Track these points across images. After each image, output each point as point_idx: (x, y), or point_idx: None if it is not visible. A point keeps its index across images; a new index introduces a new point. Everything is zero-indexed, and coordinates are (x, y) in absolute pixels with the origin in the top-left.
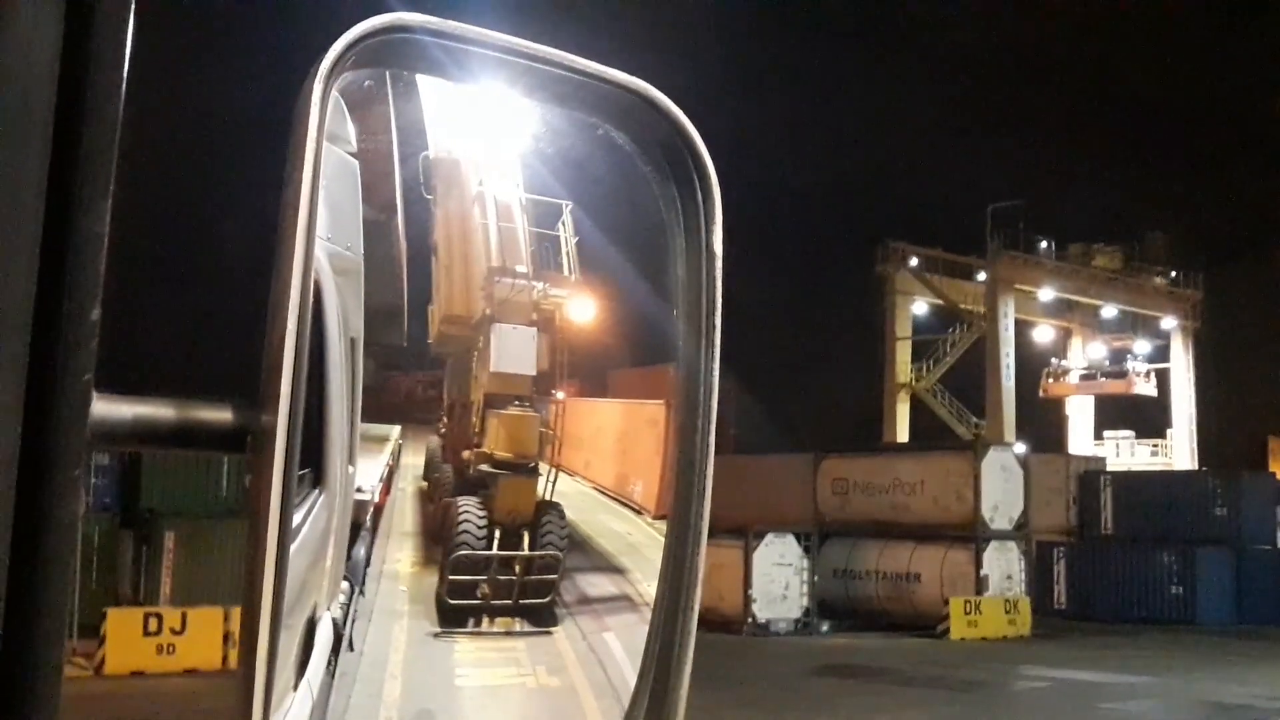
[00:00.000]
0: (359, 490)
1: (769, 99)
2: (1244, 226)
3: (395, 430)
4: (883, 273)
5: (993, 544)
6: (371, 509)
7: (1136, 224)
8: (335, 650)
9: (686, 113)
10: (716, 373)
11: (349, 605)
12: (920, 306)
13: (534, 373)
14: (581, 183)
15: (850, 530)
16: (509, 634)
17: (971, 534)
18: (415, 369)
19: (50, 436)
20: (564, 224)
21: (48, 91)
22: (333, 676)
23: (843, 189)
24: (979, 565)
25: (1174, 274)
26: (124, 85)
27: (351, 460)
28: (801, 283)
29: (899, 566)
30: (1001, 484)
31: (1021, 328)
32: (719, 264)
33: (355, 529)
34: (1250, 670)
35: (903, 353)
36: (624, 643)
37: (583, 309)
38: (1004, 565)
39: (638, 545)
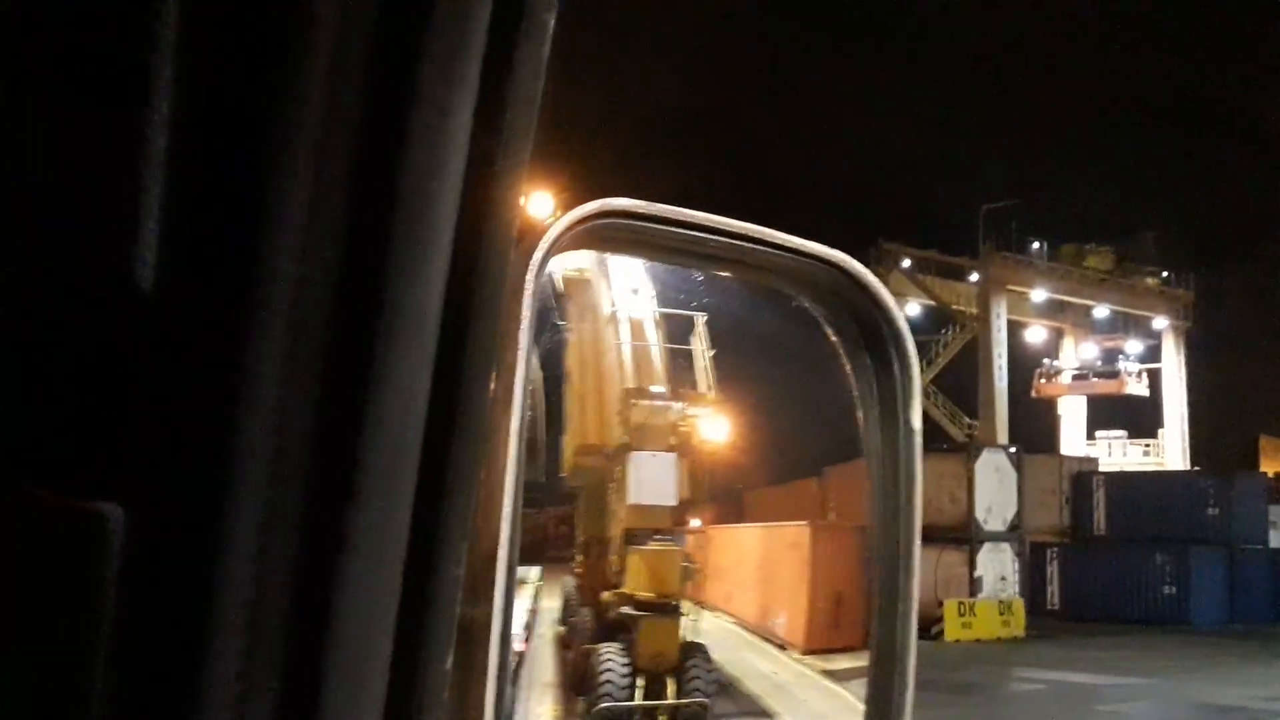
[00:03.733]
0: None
1: (762, 98)
2: (1235, 227)
3: (534, 571)
4: (876, 274)
5: (986, 545)
6: (518, 657)
7: (1129, 224)
8: None
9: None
10: (917, 550)
11: None
12: (914, 307)
13: (675, 503)
14: (708, 291)
15: None
16: None
17: (965, 535)
18: (547, 504)
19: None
20: (698, 336)
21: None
22: None
23: (836, 189)
24: (973, 567)
25: (1165, 274)
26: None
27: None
28: None
29: None
30: (995, 485)
31: (1014, 328)
32: (918, 440)
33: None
34: (1244, 671)
35: None
36: None
37: (720, 427)
38: (998, 566)
39: (784, 685)
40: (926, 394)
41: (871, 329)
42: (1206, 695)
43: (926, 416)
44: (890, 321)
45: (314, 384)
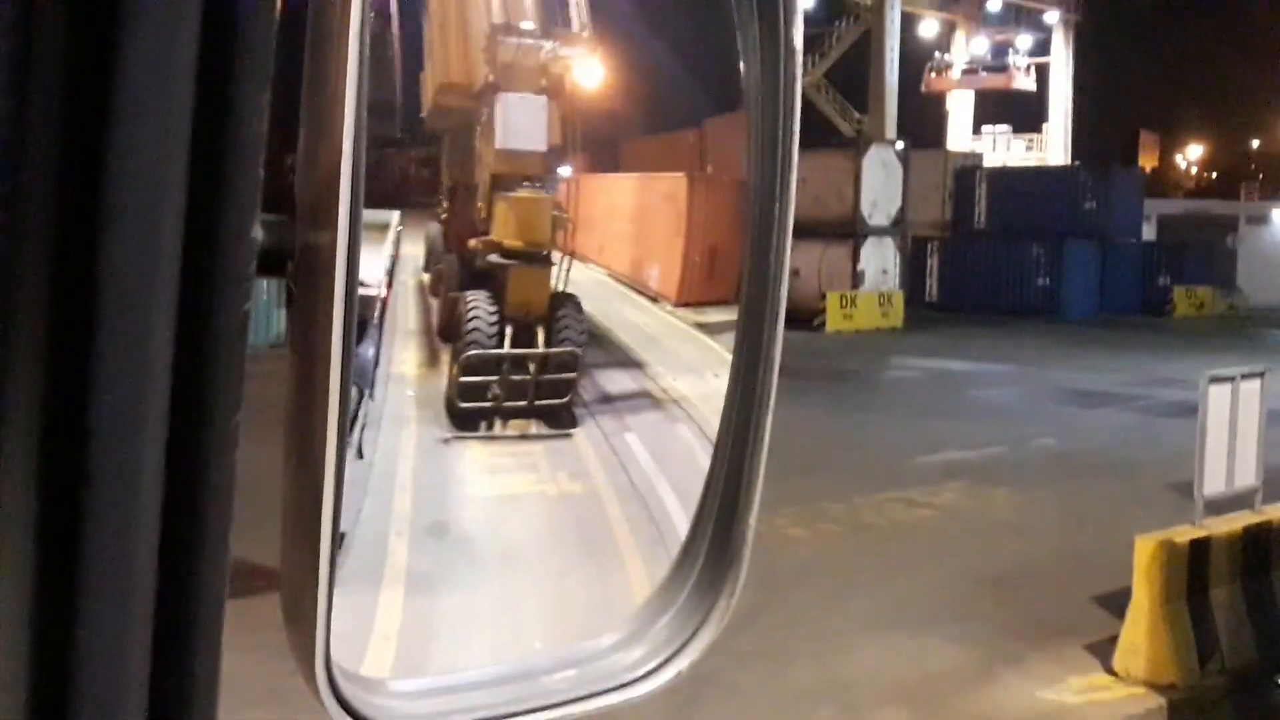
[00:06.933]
0: (363, 285)
1: None
2: None
3: (395, 216)
4: None
5: (870, 239)
6: (379, 305)
7: None
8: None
9: None
10: (794, 182)
11: (358, 411)
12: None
13: (545, 148)
14: None
15: None
16: (524, 437)
17: (850, 230)
18: (409, 146)
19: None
20: None
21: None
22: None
23: None
24: (856, 260)
25: None
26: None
27: (355, 228)
28: None
29: None
30: (881, 180)
31: (908, 21)
32: (799, 61)
33: (362, 326)
34: (1107, 359)
35: None
36: (646, 443)
37: (594, 70)
38: (880, 260)
39: (656, 337)
40: (818, 88)
41: None
42: (1070, 381)
43: (817, 111)
44: None
45: None
